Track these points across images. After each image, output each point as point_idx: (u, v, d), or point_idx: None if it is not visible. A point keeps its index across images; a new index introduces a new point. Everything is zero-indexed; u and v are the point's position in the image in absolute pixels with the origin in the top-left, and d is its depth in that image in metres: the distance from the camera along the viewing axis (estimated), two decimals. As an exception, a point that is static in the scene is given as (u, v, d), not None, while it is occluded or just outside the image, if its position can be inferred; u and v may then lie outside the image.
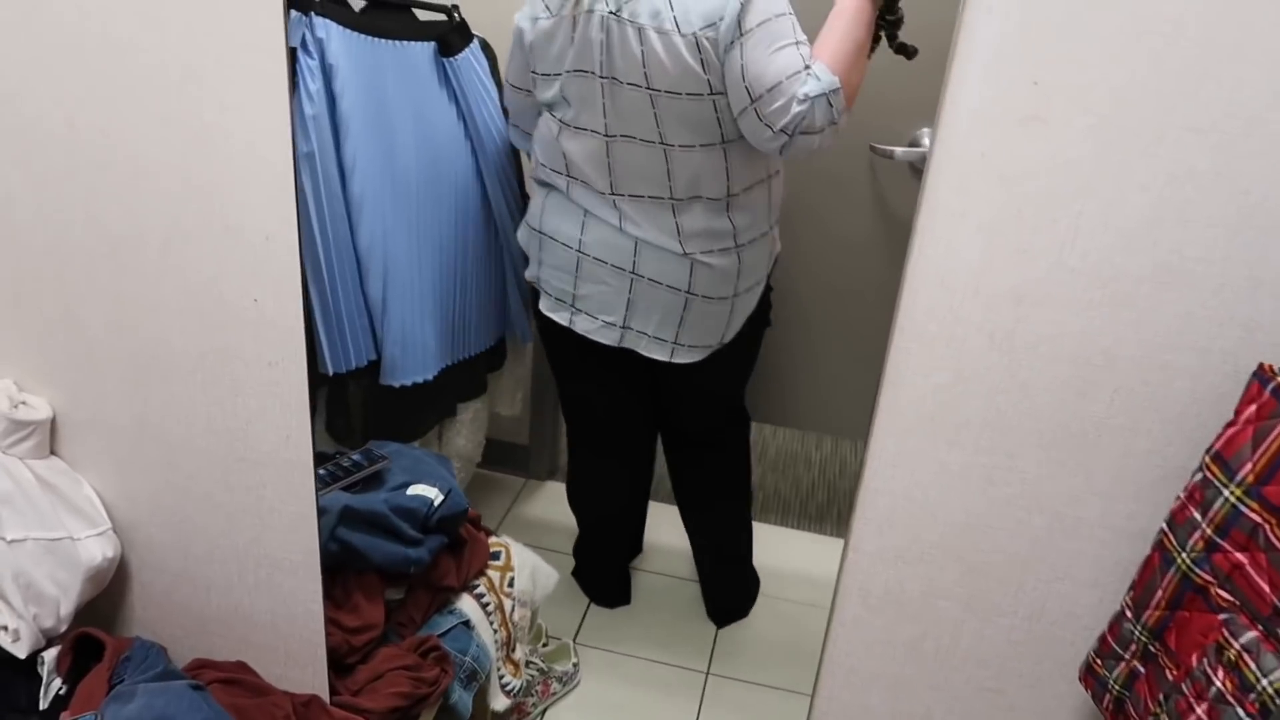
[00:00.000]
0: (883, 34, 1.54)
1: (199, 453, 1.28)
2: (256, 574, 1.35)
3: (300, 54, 1.70)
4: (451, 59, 1.93)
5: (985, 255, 1.00)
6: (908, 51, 1.58)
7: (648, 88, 1.51)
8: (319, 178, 1.73)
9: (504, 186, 2.05)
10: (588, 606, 2.20)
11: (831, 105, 1.44)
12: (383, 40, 1.82)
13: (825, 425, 2.41)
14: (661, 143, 1.55)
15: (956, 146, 0.97)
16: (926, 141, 2.09)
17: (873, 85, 1.59)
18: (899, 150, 1.98)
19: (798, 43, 1.44)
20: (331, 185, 1.76)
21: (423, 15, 1.93)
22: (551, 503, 2.52)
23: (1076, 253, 0.98)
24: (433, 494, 1.54)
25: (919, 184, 1.02)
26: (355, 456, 1.60)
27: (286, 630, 1.38)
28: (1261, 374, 0.91)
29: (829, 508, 2.50)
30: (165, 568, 1.39)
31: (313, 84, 1.71)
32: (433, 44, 1.91)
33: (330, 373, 1.84)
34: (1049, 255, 0.99)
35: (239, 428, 1.25)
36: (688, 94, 1.50)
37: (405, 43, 1.87)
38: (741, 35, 1.41)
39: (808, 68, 1.42)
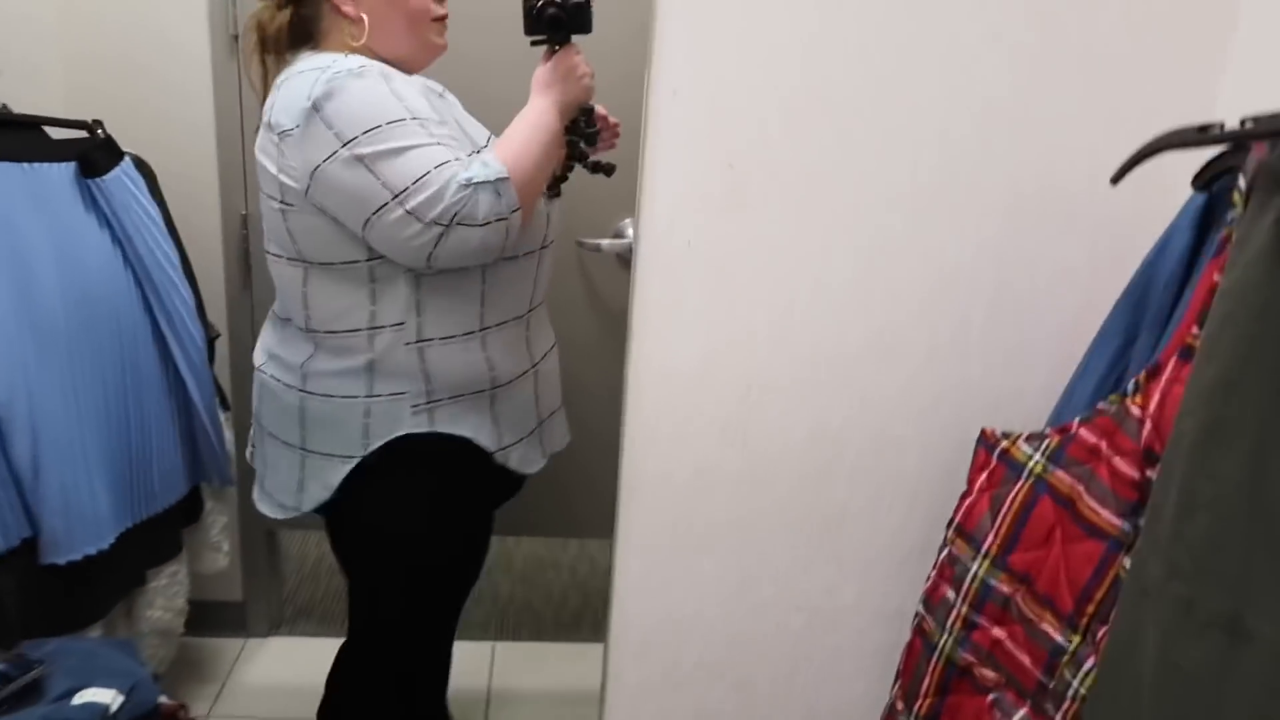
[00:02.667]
0: (574, 152, 1.33)
1: None
2: None
3: (-104, 182, 1.40)
4: (98, 180, 1.68)
5: (706, 345, 0.93)
6: (605, 170, 1.39)
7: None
8: (-70, 327, 1.42)
9: (178, 315, 1.79)
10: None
11: (500, 195, 1.18)
12: (6, 164, 1.54)
13: (569, 529, 2.29)
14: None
15: (660, 237, 0.90)
16: (630, 231, 2.09)
17: (575, 180, 1.52)
18: (605, 242, 1.94)
19: (437, 142, 1.22)
20: (-51, 336, 1.45)
21: (57, 133, 1.67)
22: (277, 662, 2.21)
23: (795, 332, 0.94)
24: (107, 697, 1.24)
25: (629, 274, 0.94)
26: (0, 667, 1.28)
27: None
28: (985, 440, 0.90)
29: (584, 612, 2.37)
30: None
31: (-86, 217, 1.41)
32: (72, 164, 1.65)
33: (-32, 562, 1.49)
34: (769, 339, 0.94)
35: None
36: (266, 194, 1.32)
37: (36, 165, 1.60)
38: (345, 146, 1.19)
39: (458, 159, 1.20)
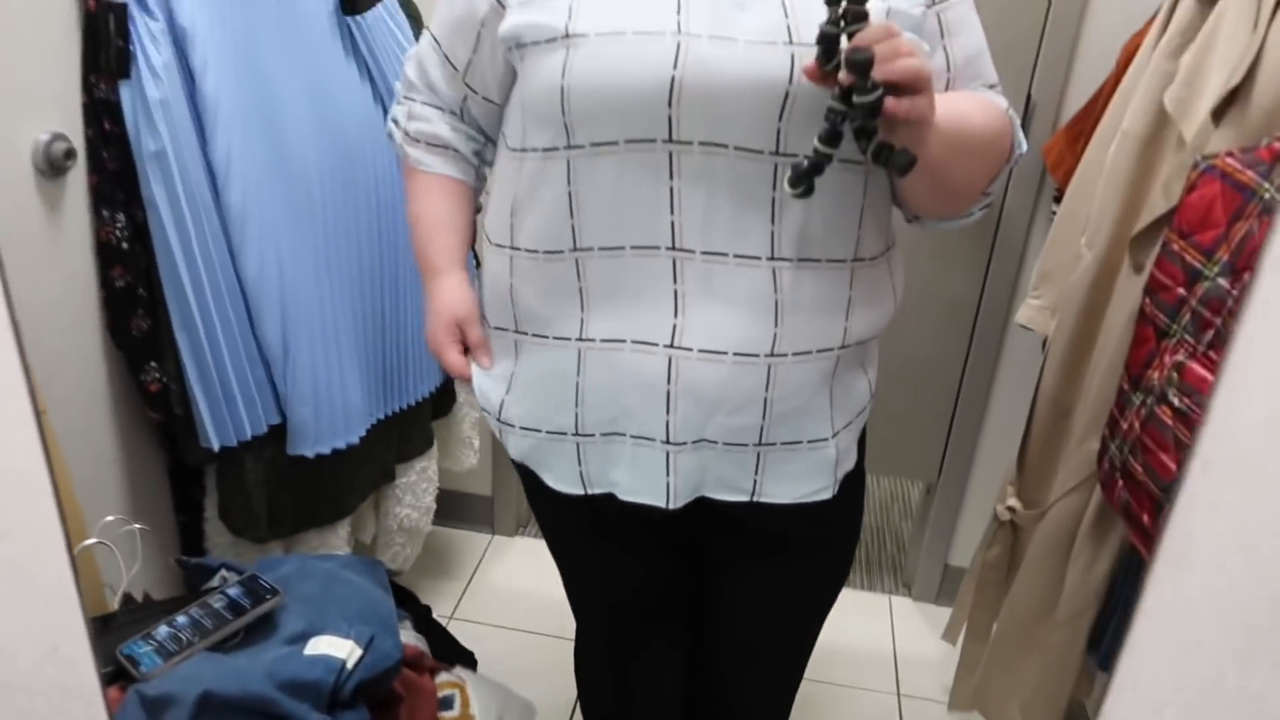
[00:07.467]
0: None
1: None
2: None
3: (136, 13, 1.12)
4: (357, 18, 1.36)
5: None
6: (900, 166, 0.70)
7: None
8: (177, 185, 1.16)
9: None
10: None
11: None
12: (257, -11, 1.24)
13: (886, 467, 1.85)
14: None
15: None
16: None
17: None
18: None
19: None
20: (198, 195, 1.19)
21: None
22: (523, 562, 1.98)
23: None
24: (344, 650, 0.98)
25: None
26: (231, 591, 1.04)
27: None
28: None
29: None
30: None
31: (157, 55, 1.13)
32: (330, -1, 1.34)
33: (216, 447, 1.28)
34: None
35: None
36: None
37: (291, -3, 1.29)
38: None
39: None
